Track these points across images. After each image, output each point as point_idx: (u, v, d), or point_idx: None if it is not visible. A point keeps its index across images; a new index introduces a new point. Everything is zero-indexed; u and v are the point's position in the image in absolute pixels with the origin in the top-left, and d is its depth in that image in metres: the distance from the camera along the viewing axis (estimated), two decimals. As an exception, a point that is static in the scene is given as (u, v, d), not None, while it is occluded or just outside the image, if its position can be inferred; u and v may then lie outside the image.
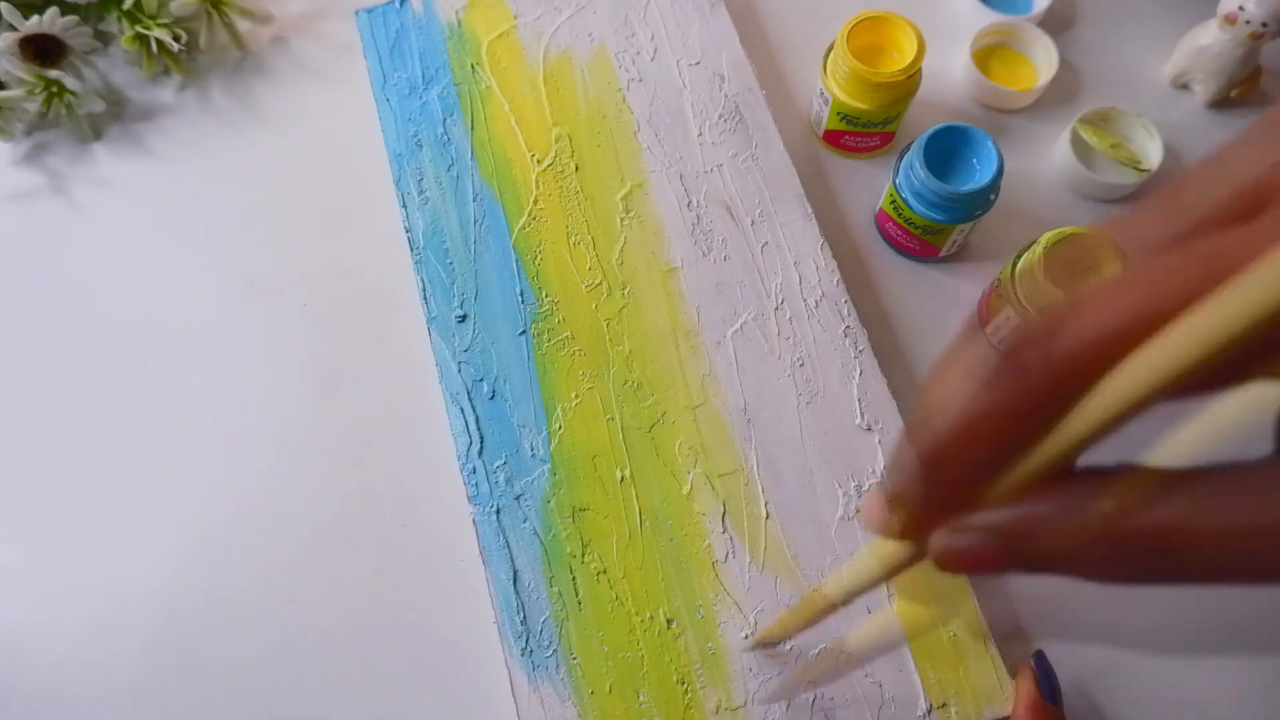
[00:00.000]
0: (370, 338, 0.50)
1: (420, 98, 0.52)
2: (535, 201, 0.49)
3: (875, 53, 0.51)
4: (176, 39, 0.54)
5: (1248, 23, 0.49)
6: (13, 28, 0.50)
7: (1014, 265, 0.45)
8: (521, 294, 0.47)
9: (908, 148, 0.48)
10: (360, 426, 0.48)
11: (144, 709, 0.43)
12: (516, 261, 0.48)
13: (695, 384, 0.45)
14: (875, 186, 0.53)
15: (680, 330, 0.46)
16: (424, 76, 0.52)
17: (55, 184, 0.55)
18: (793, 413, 0.45)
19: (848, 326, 0.46)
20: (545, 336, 0.46)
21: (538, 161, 0.50)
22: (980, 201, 0.47)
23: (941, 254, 0.50)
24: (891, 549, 0.25)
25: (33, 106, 0.53)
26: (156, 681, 0.44)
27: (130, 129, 0.56)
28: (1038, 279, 0.43)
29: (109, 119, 0.56)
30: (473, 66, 0.52)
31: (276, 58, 0.58)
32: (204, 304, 0.52)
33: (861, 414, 0.44)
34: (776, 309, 0.47)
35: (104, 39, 0.57)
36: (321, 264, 0.52)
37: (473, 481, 0.44)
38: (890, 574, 0.26)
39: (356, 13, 0.54)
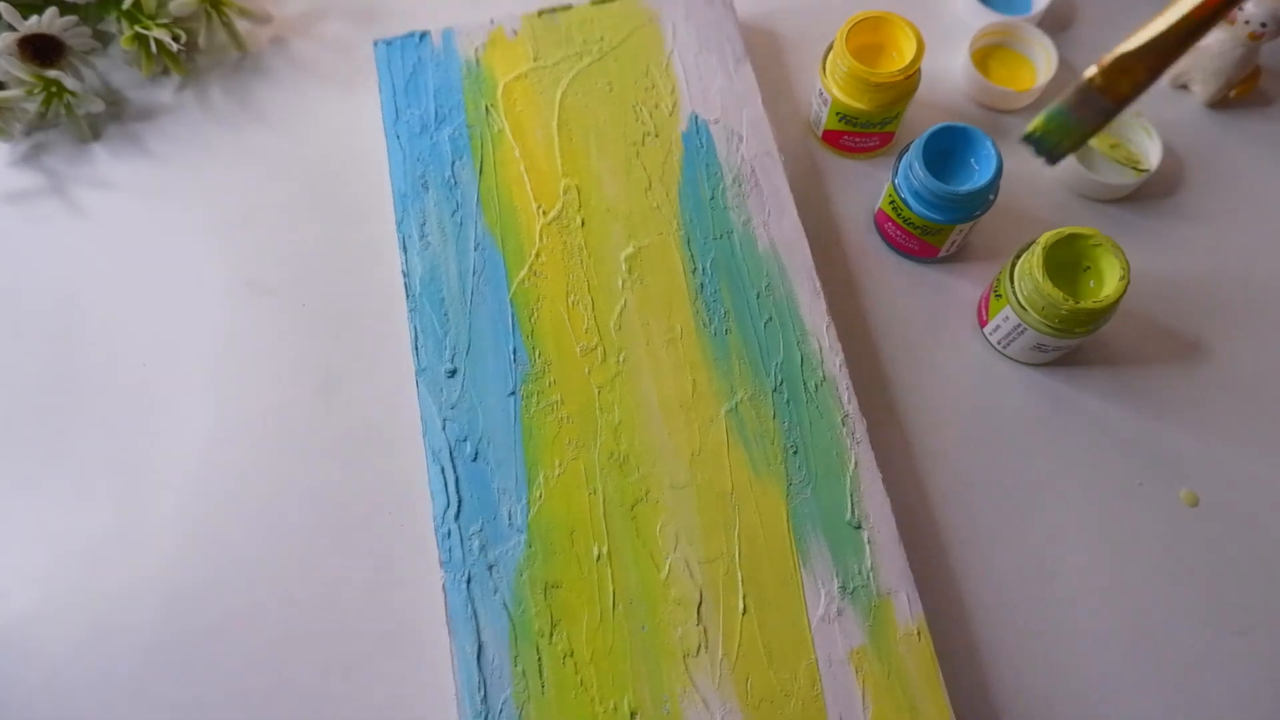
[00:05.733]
0: (369, 337, 0.50)
1: (431, 137, 0.51)
2: (537, 255, 0.48)
3: (874, 53, 0.51)
4: (176, 39, 0.53)
5: (1247, 23, 0.49)
6: (12, 28, 0.50)
7: (1013, 265, 0.45)
8: (514, 352, 0.46)
9: (907, 148, 0.48)
10: (360, 426, 0.48)
11: (144, 707, 0.43)
12: (513, 317, 0.47)
13: (684, 462, 0.44)
14: (874, 187, 0.53)
15: (673, 404, 0.45)
16: (437, 115, 0.51)
17: (54, 184, 0.55)
18: (781, 502, 0.43)
19: (847, 414, 0.44)
20: (534, 399, 0.45)
21: (544, 213, 0.49)
22: (979, 202, 0.47)
23: (941, 254, 0.50)
24: None
25: (32, 106, 0.53)
26: (156, 679, 0.44)
27: (129, 129, 0.56)
28: (1037, 279, 0.43)
29: (108, 119, 0.56)
30: (487, 108, 0.51)
31: (276, 58, 0.58)
32: (203, 304, 0.52)
33: (852, 509, 0.43)
34: (775, 389, 0.45)
35: (103, 39, 0.57)
36: (320, 264, 0.52)
37: (446, 546, 0.42)
38: None
39: (375, 43, 0.53)
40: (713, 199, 0.49)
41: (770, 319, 0.46)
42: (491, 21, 0.53)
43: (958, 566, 0.45)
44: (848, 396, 0.45)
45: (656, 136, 0.51)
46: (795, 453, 0.44)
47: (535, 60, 0.52)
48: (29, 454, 0.49)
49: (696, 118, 0.51)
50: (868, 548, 0.42)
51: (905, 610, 0.41)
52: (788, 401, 0.45)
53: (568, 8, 0.54)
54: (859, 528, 0.42)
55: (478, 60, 0.52)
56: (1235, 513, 0.46)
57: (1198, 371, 0.49)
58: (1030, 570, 0.44)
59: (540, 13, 0.53)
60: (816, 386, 0.45)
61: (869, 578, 0.42)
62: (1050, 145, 0.33)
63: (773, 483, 0.43)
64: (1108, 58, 0.31)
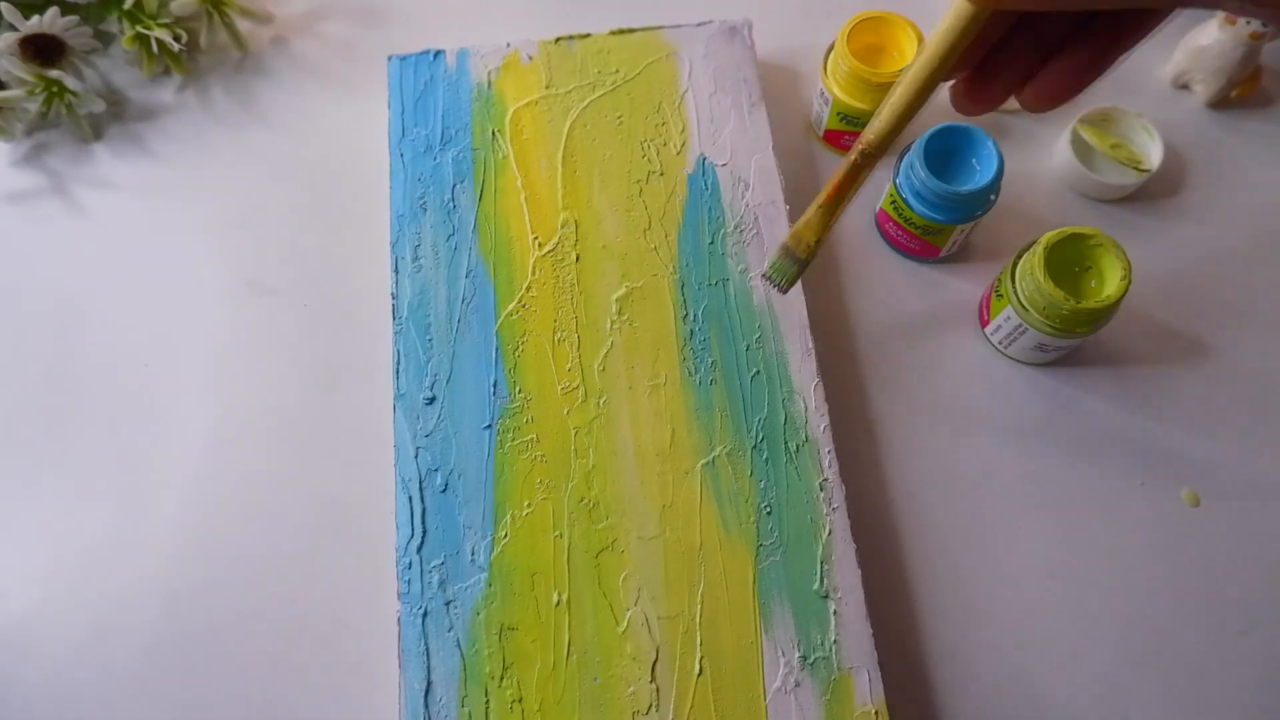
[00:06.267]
0: (371, 338, 0.50)
1: (435, 158, 0.50)
2: (528, 289, 0.47)
3: (875, 53, 0.52)
4: (177, 39, 0.54)
5: (1248, 23, 0.50)
6: (13, 28, 0.50)
7: (1015, 265, 0.46)
8: (495, 385, 0.45)
9: (908, 148, 0.48)
10: (360, 427, 0.48)
11: (144, 707, 0.44)
12: (497, 350, 0.46)
13: (654, 514, 0.43)
14: (875, 187, 0.53)
15: (650, 453, 0.44)
16: (443, 136, 0.51)
17: (55, 184, 0.55)
18: (749, 564, 0.42)
19: (825, 479, 0.43)
20: (510, 435, 0.44)
21: (539, 245, 0.48)
22: (980, 202, 0.47)
23: (941, 254, 0.51)
24: (936, 33, 0.28)
25: (33, 106, 0.53)
26: (156, 679, 0.44)
27: (130, 129, 0.56)
28: (1038, 279, 0.43)
29: (109, 119, 0.57)
30: (494, 133, 0.51)
31: (276, 58, 0.58)
32: (204, 303, 0.52)
33: (822, 579, 0.42)
34: (754, 447, 0.44)
35: (104, 39, 0.57)
36: (322, 264, 0.53)
37: (406, 578, 0.42)
38: (937, 57, 0.29)
39: (389, 58, 0.53)
40: (712, 244, 0.48)
41: (758, 373, 0.45)
42: (508, 45, 0.53)
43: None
44: (829, 461, 0.44)
45: (661, 175, 0.50)
46: (769, 513, 0.43)
47: (547, 88, 0.52)
48: (29, 454, 0.49)
49: (704, 160, 0.50)
50: (833, 619, 0.41)
51: (865, 689, 0.40)
52: (766, 460, 0.44)
53: (585, 35, 0.53)
54: (826, 598, 0.41)
55: (489, 84, 0.52)
56: (1236, 513, 0.46)
57: (1199, 371, 0.49)
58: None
59: (557, 39, 0.53)
60: (798, 448, 0.44)
61: (831, 651, 0.40)
62: (778, 282, 0.39)
63: (742, 543, 0.42)
64: (794, 226, 0.37)
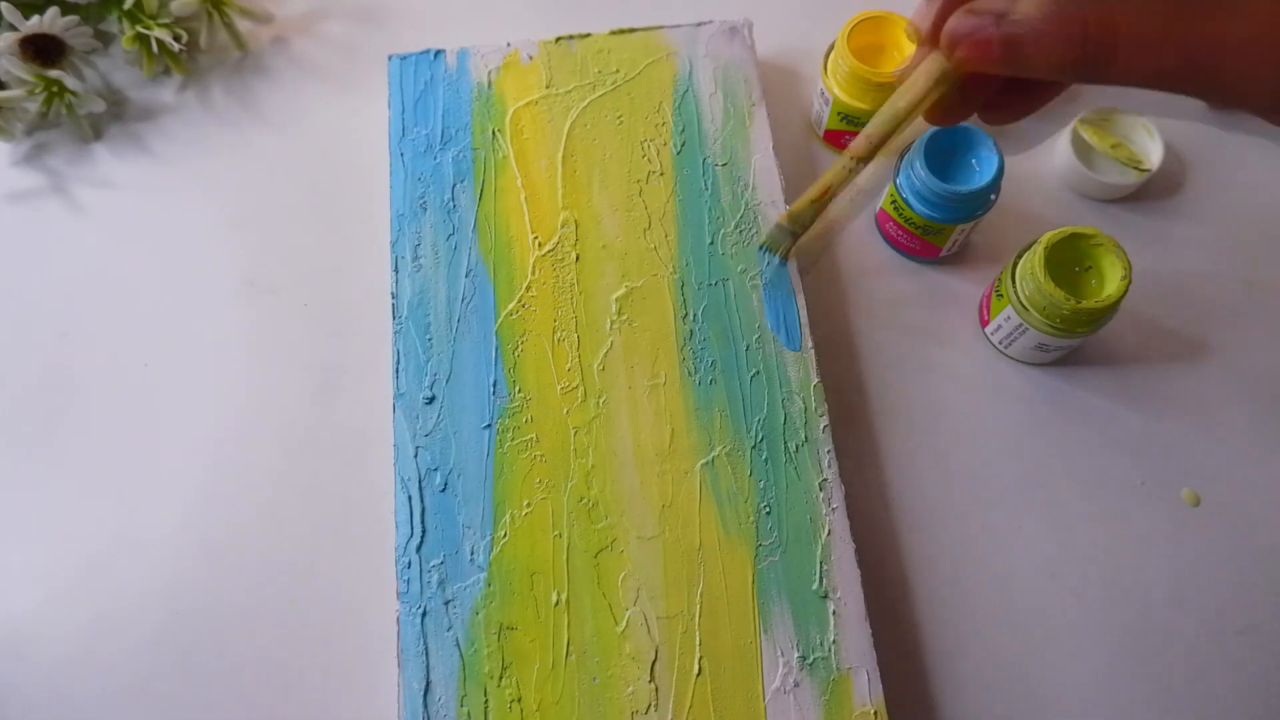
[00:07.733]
0: (371, 337, 0.50)
1: (435, 158, 0.50)
2: (528, 288, 0.47)
3: (876, 53, 0.52)
4: (177, 39, 0.54)
5: None
6: (13, 28, 0.50)
7: (1015, 265, 0.46)
8: (495, 384, 0.45)
9: (908, 147, 0.48)
10: (360, 426, 0.48)
11: (144, 709, 0.43)
12: (496, 349, 0.46)
13: (653, 514, 0.43)
14: (875, 187, 0.54)
15: (649, 453, 0.44)
16: (443, 136, 0.51)
17: (55, 184, 0.55)
18: (748, 564, 0.42)
19: (825, 480, 0.43)
20: (509, 434, 0.44)
21: (539, 245, 0.48)
22: (980, 201, 0.47)
23: (942, 254, 0.51)
24: (917, 77, 0.33)
25: (33, 106, 0.53)
26: (157, 681, 0.44)
27: (130, 129, 0.56)
28: (1039, 278, 0.44)
29: (109, 119, 0.57)
30: (494, 132, 0.51)
31: (276, 58, 0.59)
32: (204, 303, 0.52)
33: (821, 579, 0.42)
34: (754, 447, 0.44)
35: (104, 39, 0.57)
36: (322, 264, 0.53)
37: (405, 577, 0.42)
38: (916, 99, 0.34)
39: (389, 58, 0.53)
40: (712, 244, 0.48)
41: (758, 373, 0.45)
42: (508, 45, 0.53)
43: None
44: (828, 461, 0.44)
45: (661, 175, 0.50)
46: (769, 513, 0.43)
47: (548, 88, 0.52)
48: (29, 454, 0.49)
49: (704, 160, 0.50)
50: (832, 620, 0.41)
51: (865, 689, 0.40)
52: (766, 460, 0.44)
53: (585, 35, 0.53)
54: (826, 598, 0.41)
55: (490, 83, 0.52)
56: (1236, 512, 0.46)
57: (1199, 371, 0.49)
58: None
59: (558, 39, 0.53)
60: (797, 448, 0.44)
61: (830, 651, 0.40)
62: (775, 250, 0.45)
63: (742, 543, 0.42)
64: (791, 207, 0.44)
